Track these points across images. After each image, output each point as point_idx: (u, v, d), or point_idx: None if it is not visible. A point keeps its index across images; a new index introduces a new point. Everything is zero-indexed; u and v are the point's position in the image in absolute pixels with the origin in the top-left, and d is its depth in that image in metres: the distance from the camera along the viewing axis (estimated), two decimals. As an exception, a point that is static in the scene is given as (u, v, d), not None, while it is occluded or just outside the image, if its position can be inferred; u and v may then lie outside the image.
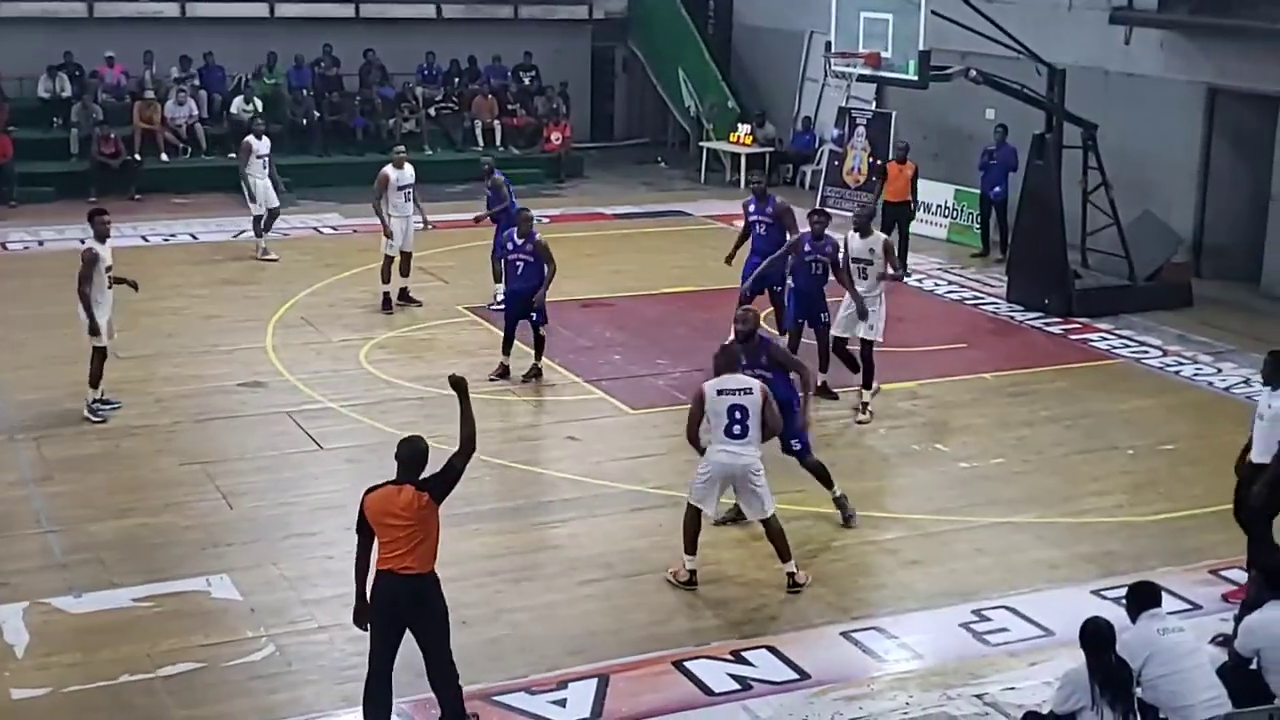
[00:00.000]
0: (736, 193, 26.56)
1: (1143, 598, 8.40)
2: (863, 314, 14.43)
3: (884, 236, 15.02)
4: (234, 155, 25.77)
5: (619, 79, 32.36)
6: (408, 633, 8.59)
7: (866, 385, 14.73)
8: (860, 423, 14.54)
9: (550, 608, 10.57)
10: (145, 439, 13.63)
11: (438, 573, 8.56)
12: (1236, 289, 20.11)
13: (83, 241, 14.31)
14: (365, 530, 8.54)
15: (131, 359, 15.57)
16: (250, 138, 21.02)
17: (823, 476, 11.98)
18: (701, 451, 10.75)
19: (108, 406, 14.15)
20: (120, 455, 13.28)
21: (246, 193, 20.94)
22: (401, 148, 19.45)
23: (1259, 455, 10.58)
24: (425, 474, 8.52)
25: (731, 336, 11.81)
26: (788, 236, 15.76)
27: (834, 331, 14.84)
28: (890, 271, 14.93)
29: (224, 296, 18.78)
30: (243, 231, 22.35)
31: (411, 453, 8.54)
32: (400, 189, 18.15)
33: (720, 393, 10.56)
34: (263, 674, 9.54)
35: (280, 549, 11.36)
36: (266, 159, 20.88)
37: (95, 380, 14.03)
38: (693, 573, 10.86)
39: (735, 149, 27.80)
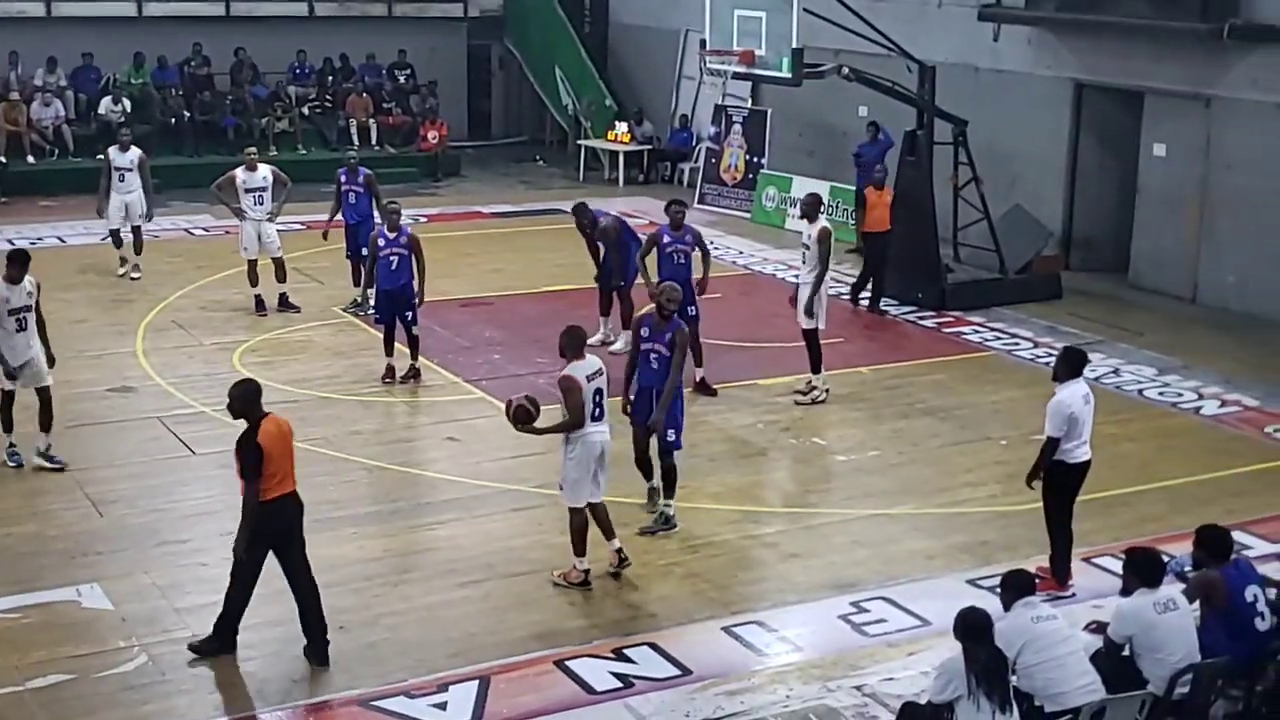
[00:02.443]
0: (616, 190, 26.68)
1: (1017, 586, 8.51)
2: (796, 302, 14.93)
3: (823, 224, 15.01)
4: (102, 156, 25.40)
5: (495, 77, 32.23)
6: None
7: (815, 370, 15.00)
8: (818, 401, 14.93)
9: (429, 610, 10.47)
10: (11, 447, 13.29)
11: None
12: (1104, 280, 20.51)
13: None
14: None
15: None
16: (111, 149, 19.74)
17: (670, 481, 11.93)
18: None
19: (11, 459, 12.89)
20: (-16, 465, 12.94)
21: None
22: (254, 150, 18.87)
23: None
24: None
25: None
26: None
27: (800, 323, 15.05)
28: (820, 265, 14.85)
29: (92, 300, 18.39)
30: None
31: (256, 389, 9.60)
32: (249, 191, 17.71)
33: (589, 379, 10.68)
34: (135, 684, 9.34)
35: (152, 557, 11.13)
36: (125, 173, 19.30)
37: (8, 426, 12.86)
38: (586, 573, 10.84)
39: (613, 147, 27.82)
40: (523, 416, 10.73)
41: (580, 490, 10.73)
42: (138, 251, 19.61)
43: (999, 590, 8.59)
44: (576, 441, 10.66)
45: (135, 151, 19.58)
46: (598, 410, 10.70)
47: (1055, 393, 10.61)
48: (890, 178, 19.20)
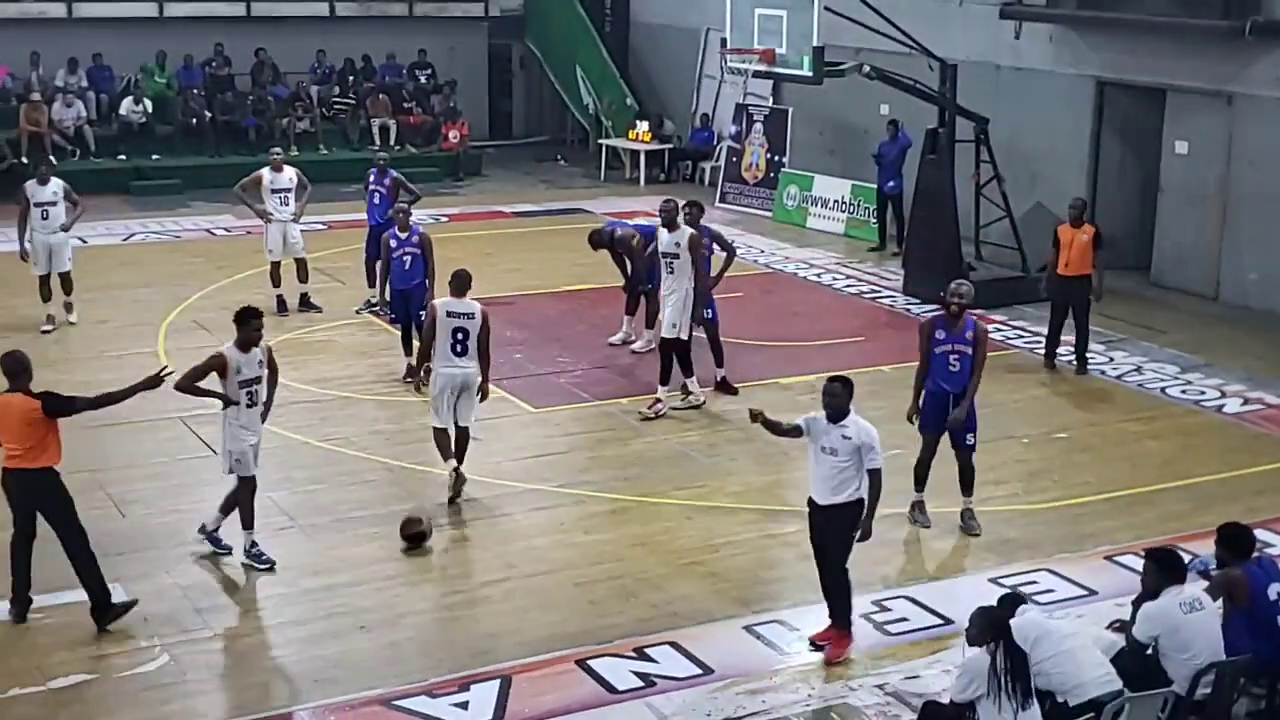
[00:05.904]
0: (637, 190, 26.66)
1: (1018, 598, 8.63)
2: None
3: (690, 231, 14.46)
4: (124, 156, 25.58)
5: (516, 77, 32.24)
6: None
7: (663, 382, 14.49)
8: (644, 418, 14.36)
9: (451, 609, 10.49)
10: (34, 447, 13.31)
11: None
12: (1127, 278, 20.35)
13: None
14: None
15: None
16: (29, 184, 17.19)
17: (970, 479, 11.99)
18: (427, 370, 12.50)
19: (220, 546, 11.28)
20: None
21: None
22: (279, 150, 18.84)
23: (829, 495, 9.80)
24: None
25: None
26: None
27: (662, 332, 14.60)
28: (693, 273, 14.31)
29: (113, 300, 18.41)
30: (133, 235, 22.07)
31: (14, 363, 9.93)
32: (275, 192, 17.68)
33: (449, 314, 12.02)
34: (156, 684, 9.36)
35: (173, 557, 11.14)
36: (48, 208, 16.93)
37: (247, 520, 11.04)
38: (455, 470, 12.21)
39: (635, 146, 27.80)
40: (413, 539, 11.46)
41: (437, 413, 12.23)
42: (67, 292, 17.28)
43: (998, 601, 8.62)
44: (435, 373, 12.17)
45: (58, 183, 17.18)
46: (459, 348, 11.99)
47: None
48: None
